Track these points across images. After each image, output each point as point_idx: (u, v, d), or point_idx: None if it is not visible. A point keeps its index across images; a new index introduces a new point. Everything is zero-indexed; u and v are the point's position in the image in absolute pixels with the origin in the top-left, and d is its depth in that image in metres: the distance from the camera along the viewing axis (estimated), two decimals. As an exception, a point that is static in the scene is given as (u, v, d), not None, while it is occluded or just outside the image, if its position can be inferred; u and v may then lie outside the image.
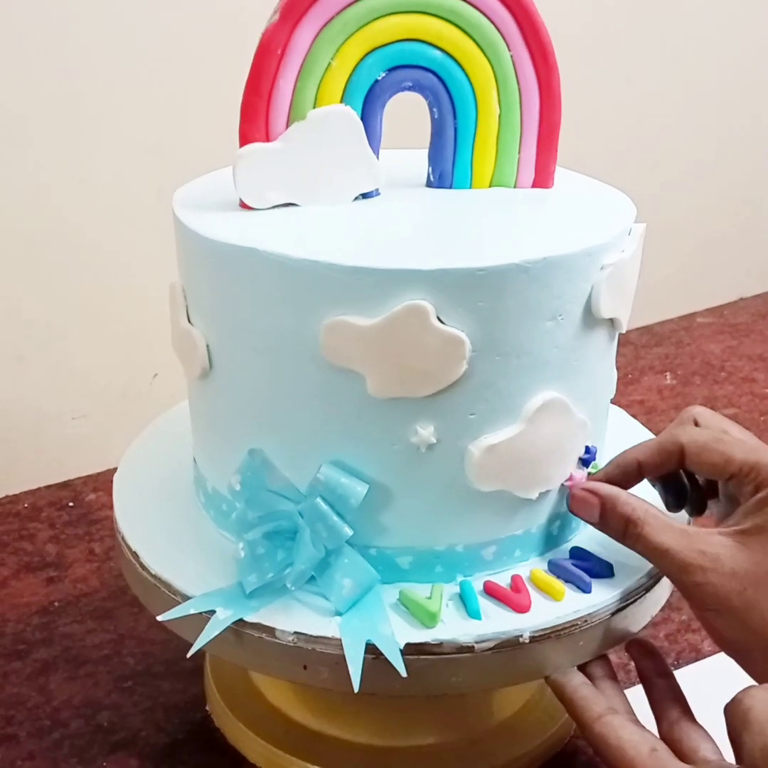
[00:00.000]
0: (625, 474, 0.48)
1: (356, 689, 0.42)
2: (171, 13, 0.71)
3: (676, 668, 0.60)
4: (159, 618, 0.45)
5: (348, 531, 0.43)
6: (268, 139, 0.46)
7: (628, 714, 0.45)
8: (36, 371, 0.78)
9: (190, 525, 0.51)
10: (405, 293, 0.40)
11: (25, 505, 0.78)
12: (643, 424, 0.61)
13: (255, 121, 0.46)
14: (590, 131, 0.96)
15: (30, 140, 0.71)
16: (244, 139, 0.46)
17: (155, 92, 0.72)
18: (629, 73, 0.98)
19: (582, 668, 0.47)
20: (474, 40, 0.47)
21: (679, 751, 0.44)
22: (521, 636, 0.44)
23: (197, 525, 0.51)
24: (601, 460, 0.50)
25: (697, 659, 0.62)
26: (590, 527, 0.49)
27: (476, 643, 0.43)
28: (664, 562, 0.44)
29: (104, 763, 0.55)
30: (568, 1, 0.89)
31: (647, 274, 1.07)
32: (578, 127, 0.94)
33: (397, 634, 0.43)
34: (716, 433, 0.47)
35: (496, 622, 0.44)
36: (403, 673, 0.42)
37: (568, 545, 0.49)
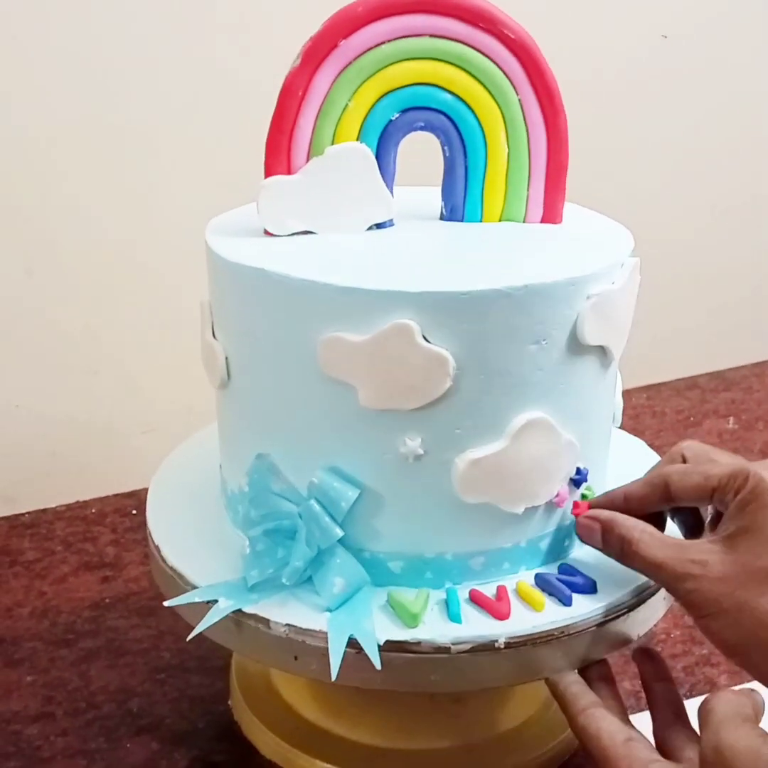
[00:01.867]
0: (612, 504, 0.50)
1: (333, 678, 0.45)
2: (222, 62, 0.80)
3: (688, 699, 0.61)
4: (166, 603, 0.50)
5: (339, 532, 0.47)
6: (289, 172, 0.51)
7: (620, 714, 0.47)
8: (109, 386, 0.84)
9: (212, 524, 0.55)
10: (393, 313, 0.44)
11: (93, 511, 0.85)
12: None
13: (278, 155, 0.50)
14: (641, 171, 0.98)
15: (102, 182, 0.79)
16: (269, 172, 0.51)
17: (204, 133, 0.81)
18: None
19: (580, 671, 0.49)
20: (483, 84, 0.50)
21: (665, 750, 0.46)
22: (497, 641, 0.46)
23: (218, 524, 0.55)
24: (596, 482, 0.52)
25: (710, 692, 0.63)
26: (582, 547, 0.51)
27: (453, 644, 0.46)
28: (660, 575, 0.46)
29: (128, 744, 0.60)
30: (576, 45, 0.91)
31: (718, 318, 1.09)
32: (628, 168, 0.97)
33: (380, 631, 0.46)
34: (700, 461, 0.49)
35: (475, 627, 0.47)
36: (377, 666, 0.45)
37: (559, 562, 0.52)
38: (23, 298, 0.80)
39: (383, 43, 0.49)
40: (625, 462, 0.60)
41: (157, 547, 0.54)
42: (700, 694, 0.63)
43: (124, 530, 0.82)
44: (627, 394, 0.56)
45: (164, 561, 0.53)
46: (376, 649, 0.45)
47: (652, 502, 0.49)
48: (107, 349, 0.84)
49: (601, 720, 0.46)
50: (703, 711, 0.43)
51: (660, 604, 0.52)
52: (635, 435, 0.63)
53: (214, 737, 0.60)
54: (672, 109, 1.00)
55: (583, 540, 0.50)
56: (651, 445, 0.63)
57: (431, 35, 0.49)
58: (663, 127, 1.00)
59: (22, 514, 0.84)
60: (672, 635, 0.69)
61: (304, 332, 0.46)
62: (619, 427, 0.58)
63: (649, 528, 0.47)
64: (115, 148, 0.79)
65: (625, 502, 0.50)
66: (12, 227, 0.78)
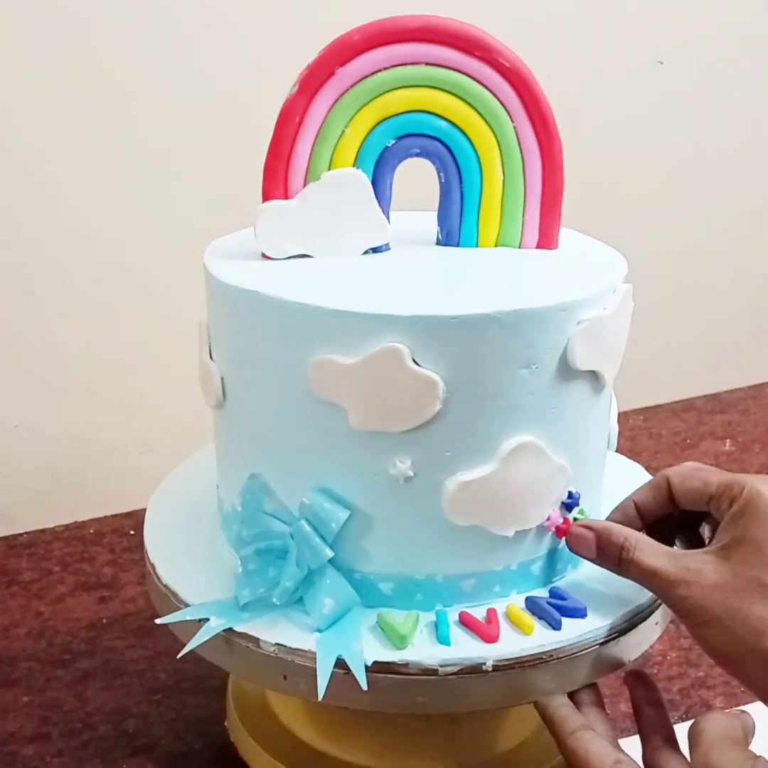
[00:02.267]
0: (627, 517, 0.51)
1: (320, 697, 0.45)
2: (224, 84, 0.82)
3: (684, 721, 0.61)
4: (157, 621, 0.50)
5: (328, 552, 0.47)
6: (287, 197, 0.51)
7: (609, 738, 0.47)
8: (108, 406, 0.85)
9: (208, 543, 0.55)
10: (383, 336, 0.45)
11: (91, 531, 0.85)
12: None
13: (275, 180, 0.51)
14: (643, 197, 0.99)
15: (104, 202, 0.80)
16: (266, 196, 0.51)
17: (206, 157, 0.83)
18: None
19: (570, 695, 0.49)
20: (478, 112, 0.51)
21: None
22: (485, 664, 0.47)
23: (214, 544, 0.55)
24: (590, 506, 0.53)
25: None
26: (575, 571, 0.52)
27: (440, 666, 0.46)
28: (654, 583, 0.47)
29: (124, 765, 0.60)
30: (572, 68, 0.93)
31: (714, 340, 1.09)
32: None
33: (369, 652, 0.46)
34: (697, 465, 0.49)
35: (464, 649, 0.47)
36: (364, 686, 0.45)
37: (550, 586, 0.52)
38: (23, 318, 0.81)
39: (379, 70, 0.50)
40: (622, 485, 0.61)
41: (152, 565, 0.54)
42: (696, 716, 0.63)
43: (121, 550, 0.83)
44: (623, 415, 0.57)
45: (159, 579, 0.53)
46: (363, 669, 0.46)
47: (660, 505, 0.50)
48: (106, 370, 0.84)
49: (589, 743, 0.46)
50: (693, 733, 0.43)
51: (652, 629, 0.52)
52: (632, 457, 0.63)
53: (211, 758, 0.61)
54: (667, 130, 1.01)
55: (576, 551, 0.50)
56: (648, 468, 0.63)
57: (427, 63, 0.50)
58: (659, 147, 1.01)
59: (21, 534, 0.85)
60: (668, 657, 0.69)
61: (296, 354, 0.46)
62: (616, 451, 0.58)
63: (644, 537, 0.48)
64: (116, 169, 0.80)
65: (638, 511, 0.51)
66: (12, 247, 0.79)
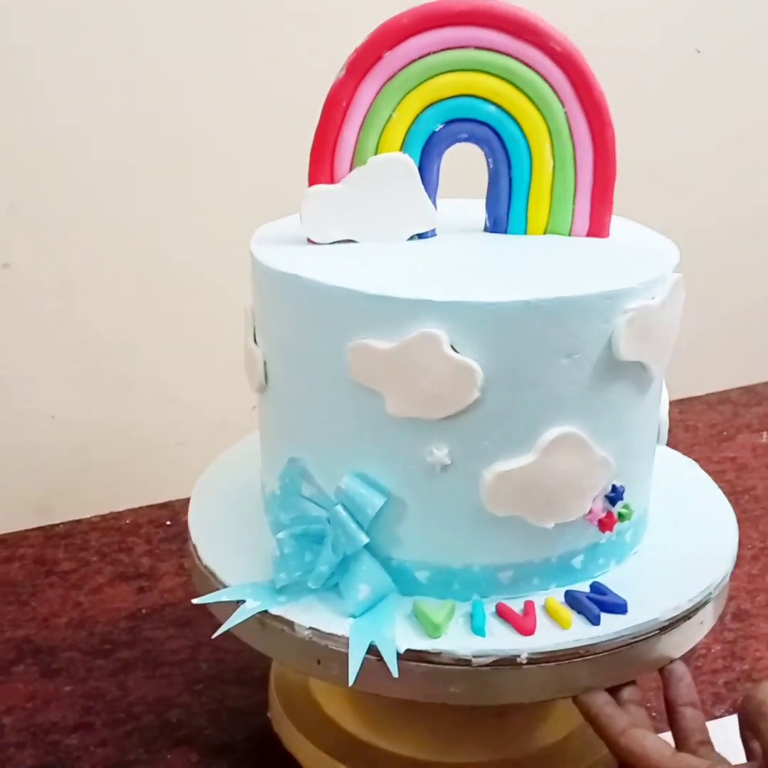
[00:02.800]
0: None
1: (351, 683, 0.45)
2: (266, 72, 0.82)
3: (731, 714, 0.60)
4: (194, 601, 0.50)
5: (364, 538, 0.47)
6: (332, 182, 0.51)
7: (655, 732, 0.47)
8: (143, 399, 0.85)
9: (250, 527, 0.56)
10: (420, 322, 0.44)
11: (127, 522, 0.86)
12: (731, 481, 0.61)
13: (321, 165, 0.51)
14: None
15: (143, 193, 0.81)
16: (312, 181, 0.51)
17: (251, 144, 0.83)
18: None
19: (610, 692, 0.48)
20: (528, 97, 0.50)
21: None
22: (519, 656, 0.46)
23: (256, 527, 0.55)
24: (636, 501, 0.51)
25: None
26: (619, 566, 0.51)
27: (474, 657, 0.46)
28: None
29: (168, 756, 0.60)
30: (622, 55, 0.90)
31: (750, 332, 1.07)
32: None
33: (402, 640, 0.46)
34: None
35: (498, 641, 0.46)
36: (395, 673, 0.45)
37: (591, 580, 0.51)
38: (60, 310, 0.81)
39: (428, 54, 0.49)
40: (674, 481, 0.60)
41: (194, 546, 0.55)
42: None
43: (158, 541, 0.83)
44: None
45: (199, 559, 0.53)
46: (395, 656, 0.45)
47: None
48: (142, 361, 0.85)
49: (643, 739, 0.46)
50: (752, 706, 0.43)
51: (697, 627, 0.51)
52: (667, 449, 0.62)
53: (253, 749, 0.61)
54: (705, 122, 0.99)
55: None
56: None
57: (476, 47, 0.49)
58: (703, 137, 1.00)
59: (57, 525, 0.85)
60: (712, 650, 0.68)
61: (335, 338, 0.46)
62: (666, 444, 0.57)
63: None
64: (154, 160, 0.80)
65: None
66: (49, 239, 0.79)
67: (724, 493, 0.59)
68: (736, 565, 0.55)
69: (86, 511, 0.86)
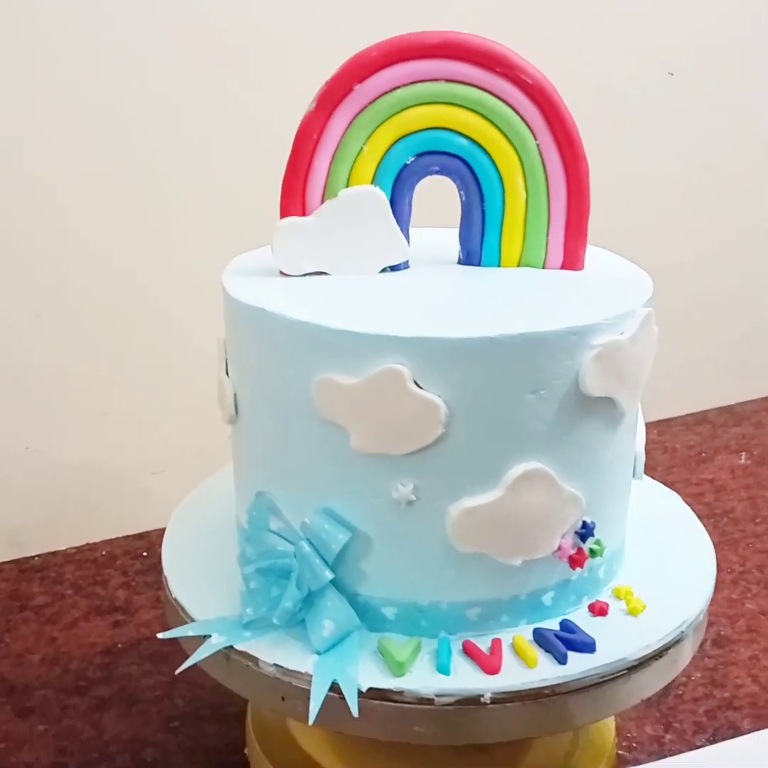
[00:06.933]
0: None
1: (311, 721, 0.45)
2: (235, 105, 0.81)
3: (711, 743, 0.59)
4: (159, 636, 0.50)
5: (328, 574, 0.47)
6: (304, 214, 0.51)
7: None
8: (119, 427, 0.84)
9: (223, 559, 0.55)
10: (384, 357, 0.44)
11: (103, 553, 0.84)
12: (710, 503, 0.61)
13: (293, 197, 0.51)
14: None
15: (117, 225, 0.80)
16: (284, 213, 0.51)
17: (222, 177, 0.82)
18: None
19: None
20: (500, 129, 0.50)
21: None
22: (483, 696, 0.45)
23: (229, 560, 0.55)
24: (608, 537, 0.51)
25: (734, 736, 0.61)
26: (590, 603, 0.50)
27: (437, 696, 0.45)
28: None
29: (143, 796, 0.59)
30: (594, 88, 0.91)
31: (727, 352, 1.07)
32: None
33: (365, 678, 0.46)
34: None
35: (462, 680, 0.46)
36: (355, 712, 0.44)
37: (562, 617, 0.50)
38: (33, 341, 0.80)
39: (398, 87, 0.49)
40: (653, 514, 0.59)
41: (165, 579, 0.54)
42: (724, 738, 0.61)
43: (134, 573, 0.82)
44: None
45: (170, 592, 0.53)
46: (356, 695, 0.45)
47: None
48: (117, 391, 0.84)
49: None
50: None
51: (669, 666, 0.50)
52: (647, 472, 0.60)
53: (231, 788, 0.60)
54: (678, 142, 0.99)
55: None
56: (663, 483, 0.60)
57: (447, 80, 0.49)
58: (672, 156, 0.99)
59: (32, 558, 0.83)
60: (693, 678, 0.67)
61: (301, 372, 0.46)
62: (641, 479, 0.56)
63: None
64: (127, 189, 0.79)
65: None
66: (21, 270, 0.78)
67: (703, 515, 0.58)
68: (716, 590, 0.54)
69: (61, 543, 0.85)
